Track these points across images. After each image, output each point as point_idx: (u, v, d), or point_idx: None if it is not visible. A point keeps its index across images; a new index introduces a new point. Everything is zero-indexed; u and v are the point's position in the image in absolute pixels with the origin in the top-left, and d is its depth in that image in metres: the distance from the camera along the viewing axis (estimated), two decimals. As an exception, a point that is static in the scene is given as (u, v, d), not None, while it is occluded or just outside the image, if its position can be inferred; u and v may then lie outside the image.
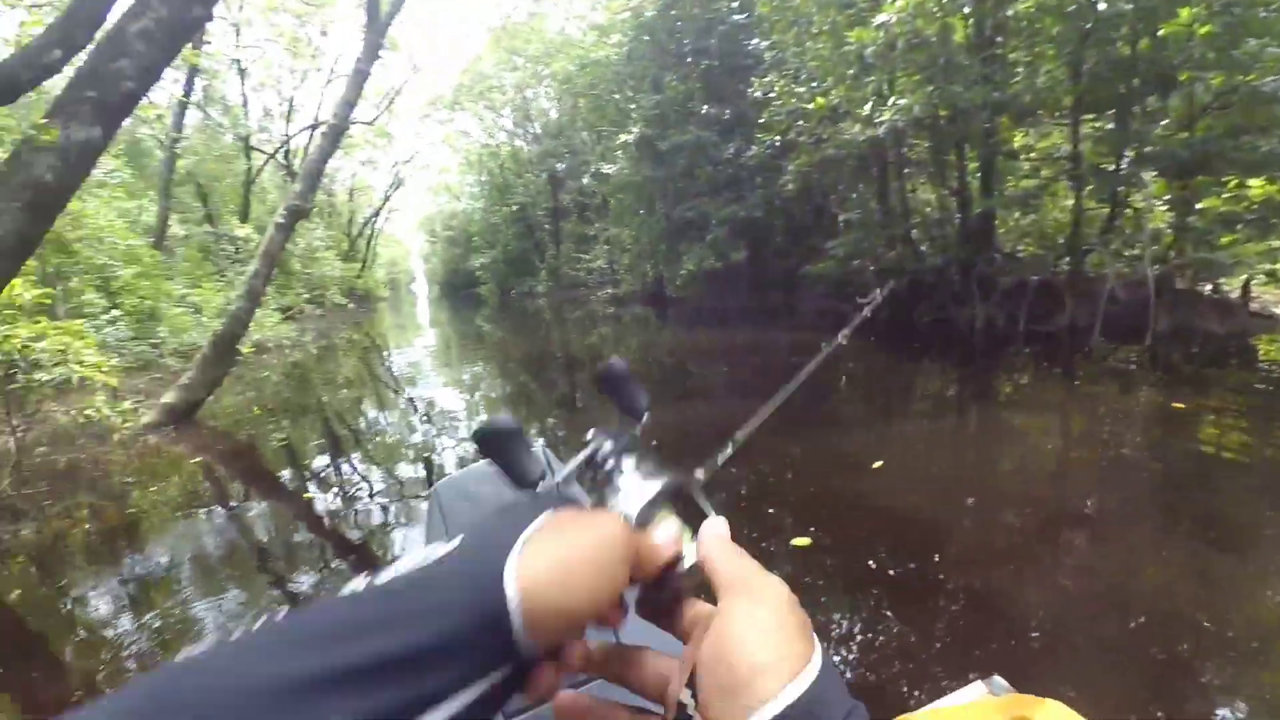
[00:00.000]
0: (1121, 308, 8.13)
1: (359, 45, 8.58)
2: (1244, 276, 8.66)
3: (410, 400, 7.83)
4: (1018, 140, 9.86)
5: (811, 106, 10.24)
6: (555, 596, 0.29)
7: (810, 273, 12.62)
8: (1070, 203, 8.99)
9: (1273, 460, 4.00)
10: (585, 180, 23.39)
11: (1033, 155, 9.93)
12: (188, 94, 15.95)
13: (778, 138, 12.11)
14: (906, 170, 11.66)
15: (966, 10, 9.16)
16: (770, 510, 3.64)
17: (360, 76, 8.50)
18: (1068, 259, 9.19)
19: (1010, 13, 8.78)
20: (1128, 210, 8.67)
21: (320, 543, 3.70)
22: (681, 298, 17.07)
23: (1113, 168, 8.40)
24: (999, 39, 9.10)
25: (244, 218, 18.72)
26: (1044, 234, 10.03)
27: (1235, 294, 8.87)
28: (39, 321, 4.39)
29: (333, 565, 3.33)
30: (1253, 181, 7.96)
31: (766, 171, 13.19)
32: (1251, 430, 4.63)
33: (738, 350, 9.70)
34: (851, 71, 9.84)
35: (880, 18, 8.56)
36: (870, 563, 2.90)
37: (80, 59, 3.77)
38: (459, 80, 28.02)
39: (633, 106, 16.61)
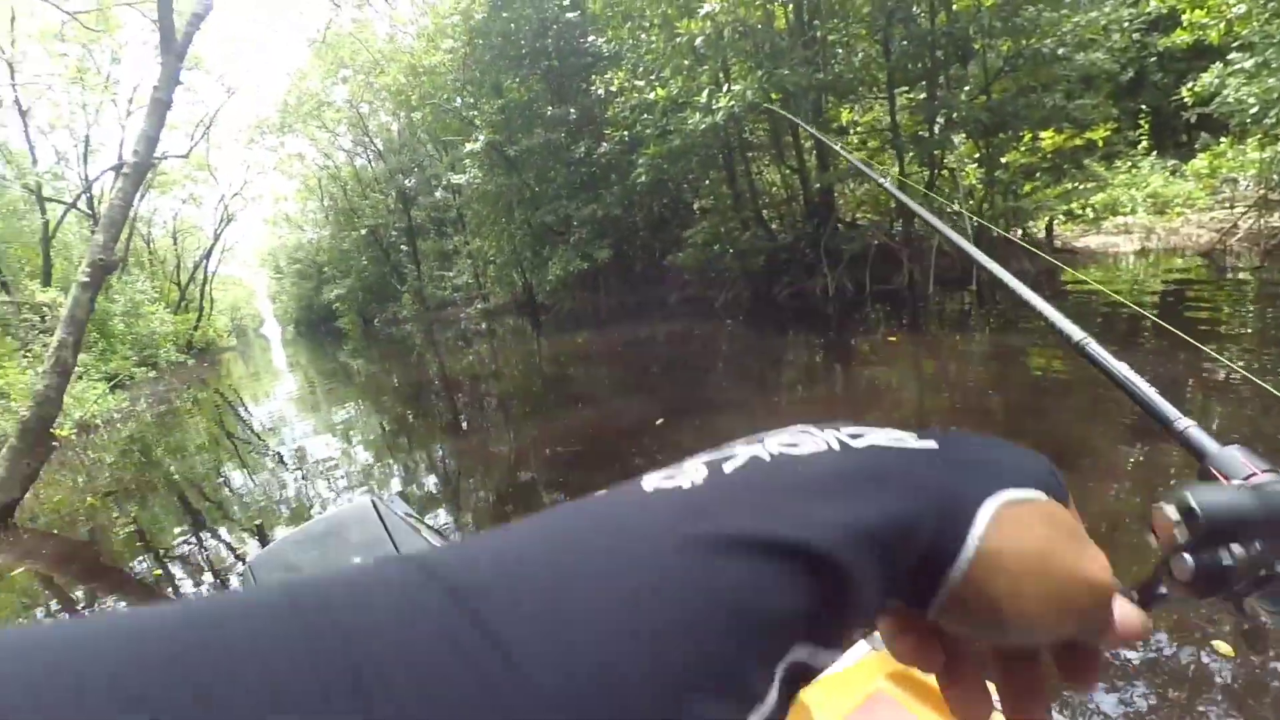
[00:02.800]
0: (949, 260, 9.00)
1: (157, 70, 7.69)
2: (1047, 219, 9.87)
3: (278, 457, 7.17)
4: (845, 116, 10.61)
5: (653, 98, 10.43)
6: (1011, 575, 0.23)
7: (673, 263, 12.93)
8: (896, 169, 9.80)
9: (1084, 377, 4.57)
10: (438, 194, 22.53)
11: (859, 128, 10.73)
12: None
13: (626, 133, 12.26)
14: (750, 154, 12.20)
15: (786, -4, 9.71)
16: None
17: (160, 106, 7.61)
18: (900, 222, 10.03)
19: (823, -5, 9.40)
20: (944, 171, 9.58)
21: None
22: (553, 304, 16.93)
23: (928, 134, 9.24)
24: (816, 22, 9.72)
25: (46, 280, 16.35)
26: (877, 201, 10.88)
27: (1041, 235, 10.08)
28: None
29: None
30: (1044, 134, 9.09)
31: (620, 168, 13.33)
32: (1067, 354, 5.26)
33: (615, 349, 9.76)
34: (686, 62, 10.13)
35: (705, 7, 8.86)
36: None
37: None
38: (284, 100, 26.01)
39: (475, 113, 16.18)
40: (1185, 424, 0.48)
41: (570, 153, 14.40)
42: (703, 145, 11.06)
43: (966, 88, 8.92)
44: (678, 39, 9.56)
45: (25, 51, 16.29)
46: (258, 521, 4.97)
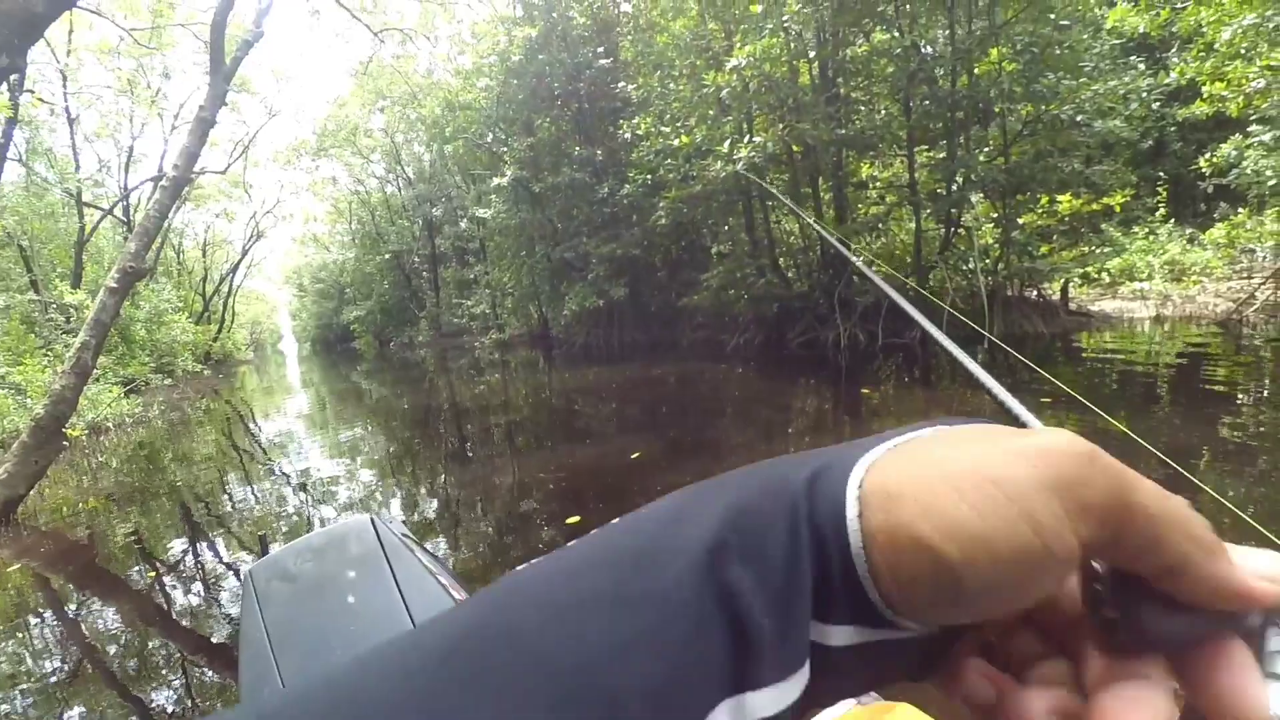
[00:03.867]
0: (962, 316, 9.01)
1: (205, 90, 8.02)
2: (1062, 281, 9.89)
3: (282, 472, 7.21)
4: (864, 171, 10.80)
5: (677, 144, 10.70)
6: (928, 521, 0.19)
7: (688, 305, 13.04)
8: (913, 225, 9.91)
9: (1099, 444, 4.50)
10: (462, 224, 23.02)
11: (878, 184, 10.90)
12: (4, 146, 14.20)
13: (649, 176, 12.54)
14: (769, 203, 12.40)
15: (811, 54, 10.00)
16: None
17: (204, 124, 7.93)
18: (915, 276, 10.09)
19: (848, 55, 9.67)
20: (960, 230, 9.67)
21: (176, 646, 3.27)
22: (567, 338, 17.06)
23: (945, 192, 9.37)
24: (840, 80, 9.99)
25: (76, 283, 16.77)
26: (893, 255, 10.97)
27: (1056, 297, 10.08)
28: None
29: (195, 669, 2.95)
30: (1061, 198, 9.18)
31: (641, 209, 13.58)
32: (1082, 418, 5.21)
33: (625, 386, 9.78)
34: (711, 112, 10.41)
35: (733, 61, 9.15)
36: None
37: None
38: (323, 125, 26.89)
39: (505, 149, 16.64)
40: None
41: (594, 192, 14.71)
42: (723, 192, 11.27)
43: (985, 149, 9.08)
44: (704, 89, 9.86)
45: (80, 61, 17.05)
46: (257, 532, 4.97)
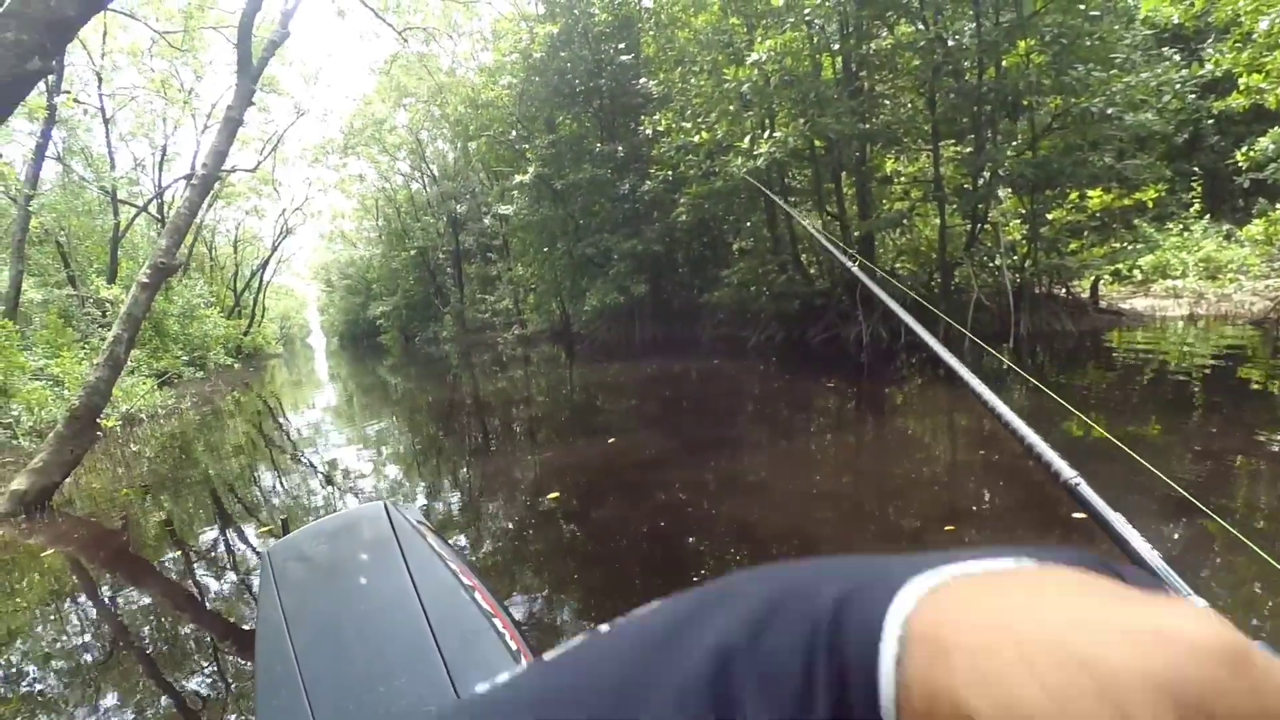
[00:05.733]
0: (988, 314, 8.86)
1: (234, 90, 8.19)
2: (1092, 278, 9.67)
3: (309, 463, 7.37)
4: (888, 166, 10.66)
5: (698, 140, 10.66)
6: (983, 694, 0.15)
7: (709, 301, 13.01)
8: (938, 221, 9.76)
9: (1134, 435, 4.41)
10: (486, 221, 23.20)
11: (903, 179, 10.75)
12: (43, 146, 14.66)
13: (670, 172, 12.52)
14: (791, 199, 12.31)
15: (834, 48, 9.90)
16: (691, 540, 3.64)
17: (233, 124, 8.09)
18: (940, 273, 9.95)
19: (872, 49, 9.55)
20: (987, 226, 9.51)
21: (203, 628, 3.37)
22: (588, 334, 17.13)
23: (971, 187, 9.21)
24: (863, 73, 9.87)
25: (112, 278, 17.25)
26: (918, 251, 10.83)
27: (1085, 295, 9.87)
28: None
29: (220, 650, 3.04)
30: (1091, 193, 8.98)
31: (662, 206, 13.57)
32: (1112, 422, 5.11)
33: (646, 382, 9.80)
34: (732, 107, 10.36)
35: (754, 56, 9.09)
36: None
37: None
38: (350, 123, 27.27)
39: (527, 146, 16.73)
40: (1197, 603, 0.39)
41: (615, 188, 14.73)
42: (744, 188, 11.22)
43: (1013, 143, 8.90)
44: (725, 85, 9.81)
45: (115, 64, 17.52)
46: (282, 517, 5.10)
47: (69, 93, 15.04)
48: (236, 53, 8.30)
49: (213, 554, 4.59)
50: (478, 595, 1.12)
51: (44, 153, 14.91)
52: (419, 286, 31.27)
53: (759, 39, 9.39)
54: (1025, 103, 8.73)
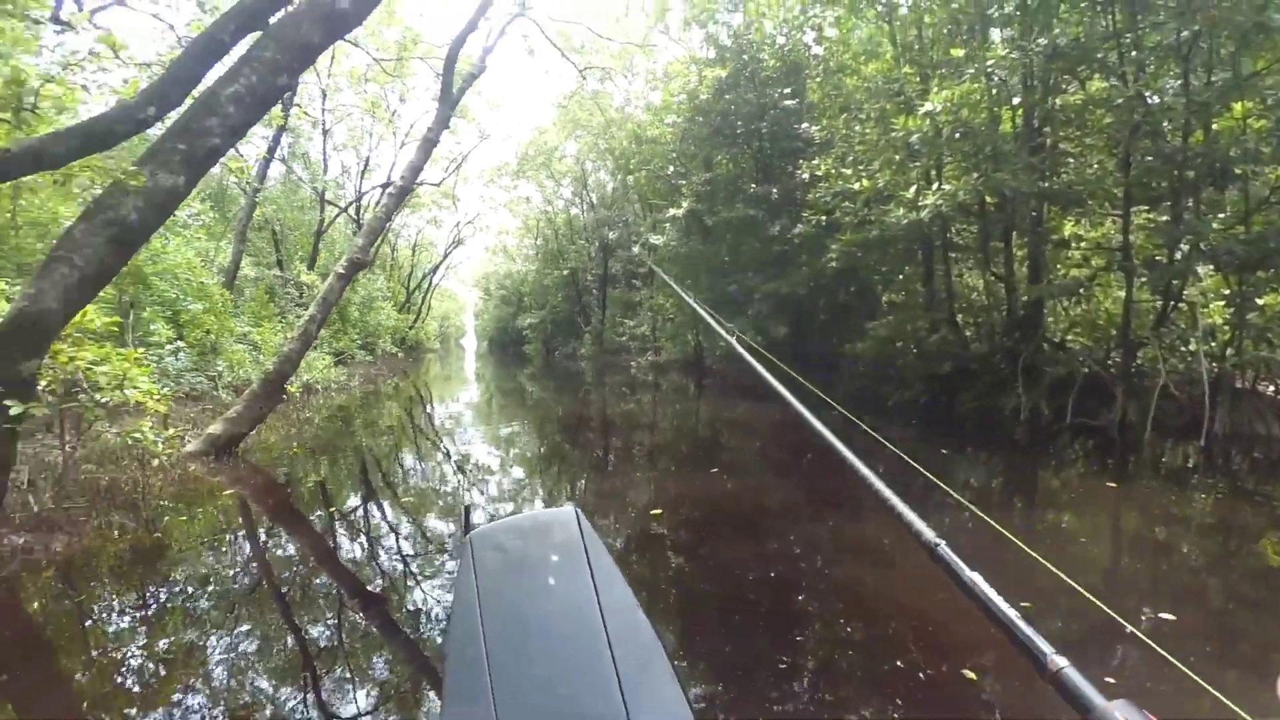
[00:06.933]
0: (1175, 406, 7.78)
1: (433, 114, 9.22)
2: (1313, 381, 8.21)
3: (446, 452, 7.96)
4: (1067, 229, 9.77)
5: (858, 187, 10.41)
6: None
7: (850, 352, 12.52)
8: (1122, 294, 8.77)
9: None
10: (635, 249, 24.05)
11: (1083, 244, 9.80)
12: (273, 149, 17.28)
13: (823, 217, 12.30)
14: (952, 255, 11.62)
15: (1015, 101, 9.33)
16: (796, 596, 3.52)
17: (429, 144, 9.08)
18: (1119, 352, 8.90)
19: (1059, 104, 8.89)
20: (1182, 304, 8.41)
21: (336, 585, 3.73)
22: (720, 369, 17.09)
23: (1166, 260, 8.21)
24: (1046, 129, 9.19)
25: (311, 265, 19.79)
26: (1095, 325, 9.76)
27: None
28: (104, 346, 4.69)
29: (347, 609, 3.35)
30: (1318, 281, 7.67)
31: (811, 250, 13.34)
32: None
33: (774, 426, 9.58)
34: (898, 156, 10.03)
35: (927, 107, 8.77)
36: (898, 663, 2.76)
37: (176, 113, 4.18)
38: (524, 150, 29.55)
39: (684, 182, 17.19)
40: (1060, 663, 0.39)
41: (765, 229, 14.70)
42: (902, 239, 10.76)
43: (1220, 215, 7.82)
44: (893, 134, 9.53)
45: (337, 85, 20.36)
46: (413, 497, 5.54)
47: (299, 106, 17.60)
48: (440, 82, 9.35)
49: (352, 517, 5.07)
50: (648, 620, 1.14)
51: (274, 154, 17.56)
52: (565, 304, 32.93)
53: (934, 89, 9.06)
54: (1239, 171, 7.65)
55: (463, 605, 1.17)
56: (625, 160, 22.10)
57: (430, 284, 38.15)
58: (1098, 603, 0.89)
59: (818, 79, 13.32)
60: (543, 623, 1.12)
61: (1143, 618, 3.14)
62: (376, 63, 15.96)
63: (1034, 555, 1.10)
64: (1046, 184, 8.62)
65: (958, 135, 9.05)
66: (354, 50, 15.99)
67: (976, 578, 0.50)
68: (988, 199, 9.49)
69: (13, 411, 3.58)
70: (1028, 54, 8.15)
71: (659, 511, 5.14)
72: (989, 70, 8.75)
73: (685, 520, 5.03)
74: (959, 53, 9.12)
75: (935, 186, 9.12)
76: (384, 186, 22.26)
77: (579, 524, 1.32)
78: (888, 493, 0.62)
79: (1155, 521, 5.04)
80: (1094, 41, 7.97)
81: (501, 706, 0.95)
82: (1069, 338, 10.21)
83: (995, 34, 10.11)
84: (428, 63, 15.35)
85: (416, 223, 33.29)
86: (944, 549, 0.53)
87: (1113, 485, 6.11)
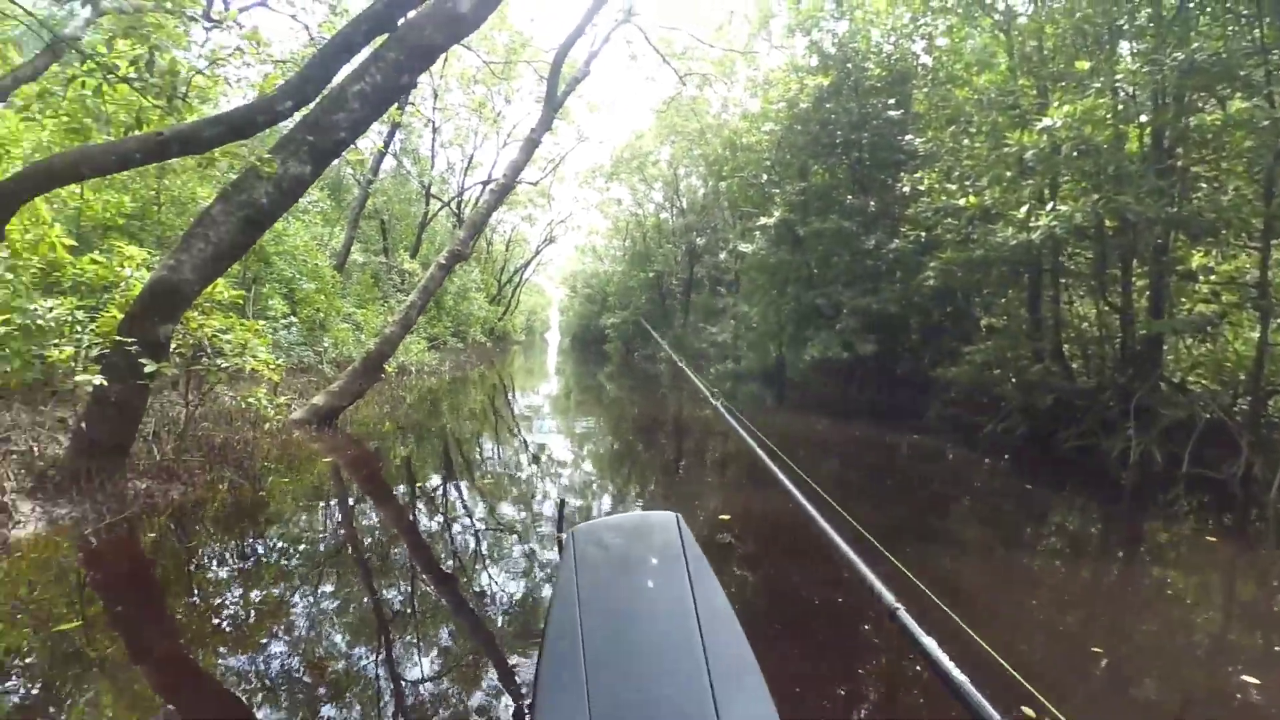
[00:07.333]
0: (1316, 463, 6.96)
1: (536, 115, 9.57)
2: None
3: (521, 441, 8.21)
4: (1195, 260, 8.94)
5: (962, 204, 9.93)
6: None
7: (941, 375, 11.94)
8: (1255, 335, 7.94)
9: None
10: (722, 256, 23.96)
11: (1213, 278, 8.94)
12: (388, 144, 18.37)
13: (923, 233, 11.82)
14: (1063, 280, 10.88)
15: (1143, 119, 8.64)
16: (862, 627, 3.42)
17: (531, 144, 9.42)
18: (1248, 399, 8.06)
19: (1193, 123, 8.16)
20: (1329, 352, 7.53)
21: (412, 558, 3.94)
22: (801, 382, 16.73)
23: (1315, 303, 7.38)
24: (1178, 150, 8.45)
25: (414, 254, 20.92)
26: (1221, 367, 8.88)
27: None
28: (230, 317, 5.15)
29: (420, 581, 3.53)
30: None
31: (906, 267, 12.84)
32: None
33: (852, 446, 9.31)
34: (1009, 173, 9.50)
35: (1045, 122, 8.27)
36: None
37: (305, 109, 4.54)
38: (619, 153, 30.04)
39: (777, 191, 16.95)
40: None
41: (859, 242, 14.27)
42: (1008, 261, 10.17)
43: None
44: (1004, 149, 9.04)
45: (447, 86, 21.43)
46: (488, 484, 5.76)
47: (413, 104, 18.63)
48: (545, 85, 9.67)
49: (434, 495, 5.32)
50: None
51: (388, 149, 18.68)
52: (649, 306, 33.20)
53: (1054, 103, 8.52)
54: None
55: (562, 597, 1.20)
56: (718, 166, 22.06)
57: (521, 278, 39.46)
58: (1019, 679, 0.84)
59: (925, 89, 12.83)
60: (640, 623, 1.12)
61: (1238, 695, 2.85)
62: (485, 65, 16.68)
63: (965, 627, 1.04)
64: (1175, 210, 7.93)
65: (1077, 153, 8.47)
66: (465, 53, 16.78)
67: (931, 644, 0.51)
68: (1107, 223, 8.83)
69: (147, 369, 3.99)
70: (1161, 69, 7.53)
71: (727, 517, 5.12)
72: (1116, 85, 8.15)
73: (754, 531, 4.98)
74: (1084, 66, 8.55)
75: (1049, 207, 8.57)
76: (485, 183, 23.31)
77: (680, 530, 1.34)
78: (853, 557, 0.62)
79: (1277, 591, 4.55)
80: (1237, 58, 7.26)
81: (595, 700, 0.96)
82: (1190, 379, 9.34)
83: (1124, 46, 9.39)
84: (533, 66, 15.91)
85: (512, 219, 34.52)
86: (903, 613, 0.54)
87: (1229, 545, 5.55)
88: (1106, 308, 10.00)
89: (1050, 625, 3.49)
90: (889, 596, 0.60)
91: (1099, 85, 8.08)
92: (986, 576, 4.23)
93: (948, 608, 3.35)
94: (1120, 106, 8.58)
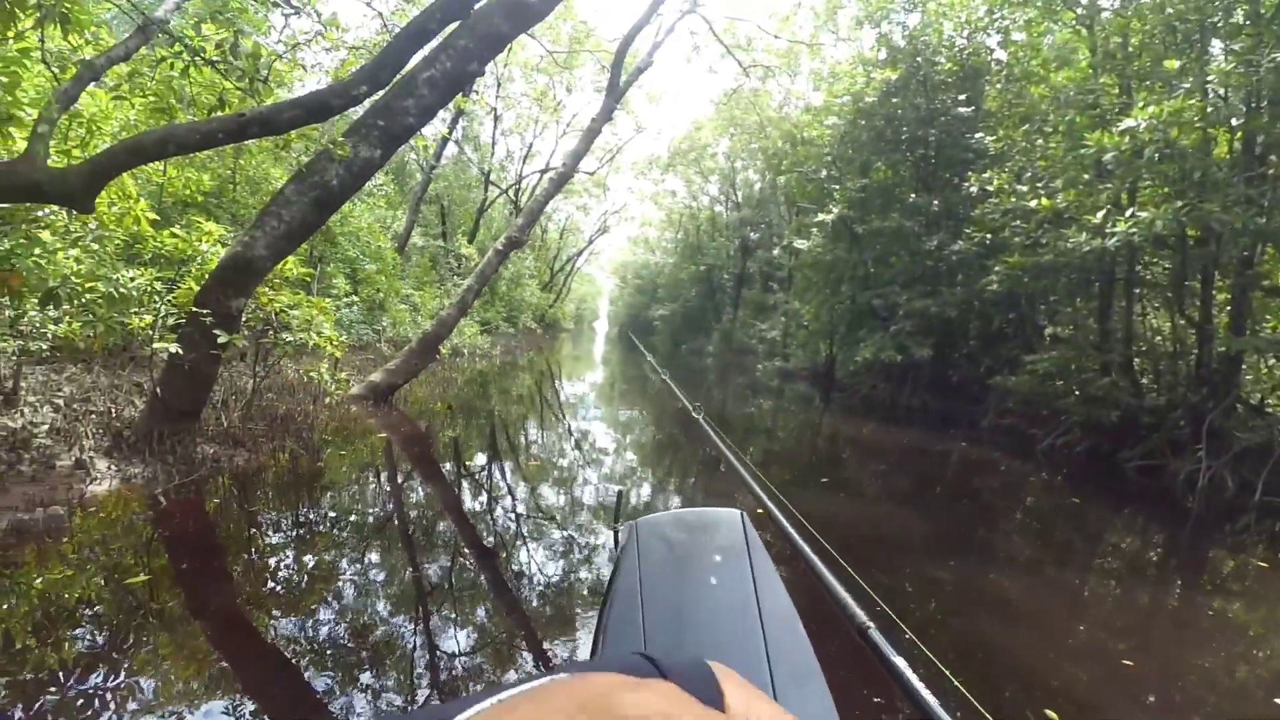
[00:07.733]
0: None
1: (595, 105, 9.63)
2: None
3: (566, 427, 8.33)
4: (1286, 276, 8.39)
5: (1034, 206, 9.54)
6: None
7: (999, 384, 11.53)
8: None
9: None
10: (775, 252, 23.63)
11: (1306, 296, 8.37)
12: (451, 130, 18.78)
13: (988, 235, 11.41)
14: (1137, 291, 10.35)
15: (1235, 123, 8.12)
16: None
17: (592, 133, 9.48)
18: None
19: (1291, 130, 7.63)
20: None
21: (457, 535, 4.07)
22: (851, 384, 16.40)
23: None
24: (1271, 157, 7.92)
25: (471, 239, 21.37)
26: (1308, 390, 8.33)
27: None
28: (298, 294, 5.39)
29: (462, 558, 3.65)
30: None
31: (968, 270, 12.43)
32: None
33: (902, 452, 9.10)
34: (1086, 176, 9.08)
35: (1127, 122, 7.85)
36: None
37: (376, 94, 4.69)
38: (676, 144, 29.91)
39: (836, 187, 16.59)
40: None
41: (920, 242, 13.87)
42: (1079, 268, 9.74)
43: None
44: (1082, 150, 8.63)
45: (510, 75, 21.71)
46: (534, 468, 5.87)
47: (476, 92, 18.96)
48: (608, 75, 9.70)
49: (480, 475, 5.47)
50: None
51: (451, 135, 19.08)
52: (698, 300, 33.08)
53: (1139, 103, 8.08)
54: None
55: (623, 588, 1.19)
56: (777, 161, 21.74)
57: (573, 267, 39.84)
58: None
59: (998, 86, 12.34)
60: (702, 623, 1.11)
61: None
62: (549, 54, 16.83)
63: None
64: (1264, 221, 7.44)
65: (1160, 157, 8.02)
66: (530, 42, 16.96)
67: (901, 662, 0.51)
68: (1189, 231, 8.36)
69: (220, 340, 4.22)
70: (1257, 70, 7.06)
71: (762, 512, 5.08)
72: (1207, 86, 7.68)
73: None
74: (1172, 65, 8.07)
75: (1128, 213, 8.16)
76: (543, 171, 23.57)
77: (744, 528, 1.31)
78: (826, 572, 0.60)
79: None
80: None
81: None
82: (1270, 401, 8.79)
83: (1216, 45, 8.81)
84: (596, 56, 15.96)
85: (567, 208, 34.84)
86: (874, 631, 0.53)
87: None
88: (1183, 321, 9.48)
89: (1100, 648, 3.36)
90: (860, 614, 0.59)
91: (1188, 85, 7.63)
92: (1033, 595, 4.10)
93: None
94: (1210, 109, 8.07)
